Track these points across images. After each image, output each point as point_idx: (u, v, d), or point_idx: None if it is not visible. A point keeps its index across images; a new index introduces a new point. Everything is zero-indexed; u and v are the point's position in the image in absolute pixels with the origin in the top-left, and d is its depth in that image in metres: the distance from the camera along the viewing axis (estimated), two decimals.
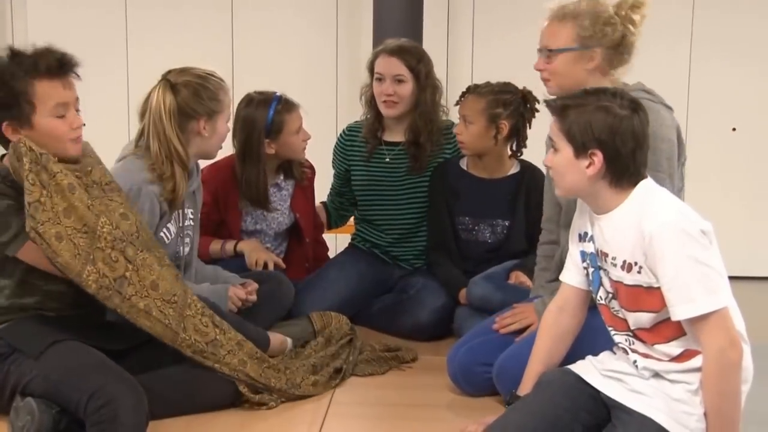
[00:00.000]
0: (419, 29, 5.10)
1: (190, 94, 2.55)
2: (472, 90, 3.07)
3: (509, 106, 3.00)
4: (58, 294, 2.25)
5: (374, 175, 3.27)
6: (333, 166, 3.40)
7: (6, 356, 2.17)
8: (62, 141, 2.18)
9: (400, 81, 3.14)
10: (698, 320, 1.84)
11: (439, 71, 5.32)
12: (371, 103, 3.25)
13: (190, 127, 2.58)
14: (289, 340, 2.72)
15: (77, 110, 2.23)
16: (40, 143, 2.13)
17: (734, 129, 5.79)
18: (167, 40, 5.56)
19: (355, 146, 3.31)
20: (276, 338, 2.67)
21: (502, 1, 5.58)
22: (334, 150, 3.38)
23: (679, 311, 1.85)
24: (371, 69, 3.23)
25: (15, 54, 2.16)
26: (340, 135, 3.38)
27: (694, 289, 1.82)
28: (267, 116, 3.01)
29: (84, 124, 2.23)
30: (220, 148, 2.72)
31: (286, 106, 3.07)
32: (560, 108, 1.98)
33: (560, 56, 2.37)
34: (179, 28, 5.75)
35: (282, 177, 3.21)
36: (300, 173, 3.22)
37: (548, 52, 2.39)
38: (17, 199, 2.12)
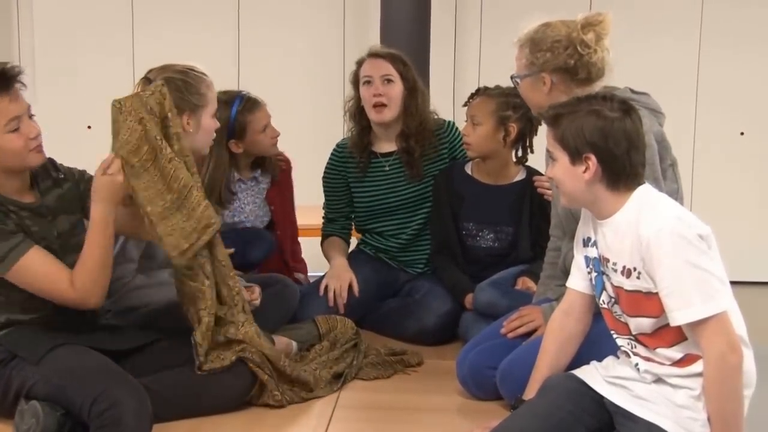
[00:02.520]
0: (426, 33, 5.09)
1: (171, 91, 2.48)
2: (482, 92, 3.06)
3: (519, 109, 2.98)
4: (52, 317, 2.25)
5: (377, 187, 3.23)
6: (327, 187, 3.30)
7: (7, 361, 2.18)
8: (22, 154, 2.18)
9: (389, 81, 3.10)
10: (697, 325, 1.83)
11: (447, 72, 5.34)
12: (356, 116, 3.20)
13: (182, 123, 2.51)
14: (294, 344, 2.72)
15: (31, 116, 2.22)
16: (1, 161, 2.15)
17: (742, 133, 5.77)
18: (174, 51, 5.60)
19: (351, 162, 3.26)
20: (281, 341, 2.68)
21: (510, 1, 5.60)
22: (327, 169, 3.29)
23: (677, 316, 1.85)
24: (356, 79, 3.17)
25: None
26: (334, 152, 3.30)
27: (692, 294, 1.82)
28: (229, 117, 3.01)
29: (40, 132, 2.19)
30: (210, 143, 2.67)
31: (248, 105, 3.07)
32: (553, 117, 2.00)
33: (521, 82, 2.47)
34: (186, 30, 5.79)
35: (259, 172, 3.21)
36: (273, 168, 3.21)
37: (513, 78, 2.49)
38: (3, 222, 2.16)
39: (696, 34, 5.71)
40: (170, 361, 2.31)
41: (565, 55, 2.36)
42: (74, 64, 5.84)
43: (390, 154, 3.21)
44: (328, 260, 3.28)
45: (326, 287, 3.10)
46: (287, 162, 3.31)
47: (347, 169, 3.27)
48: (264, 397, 2.37)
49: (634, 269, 1.91)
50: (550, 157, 2.03)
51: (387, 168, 3.22)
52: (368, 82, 3.12)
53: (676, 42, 5.68)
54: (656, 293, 1.88)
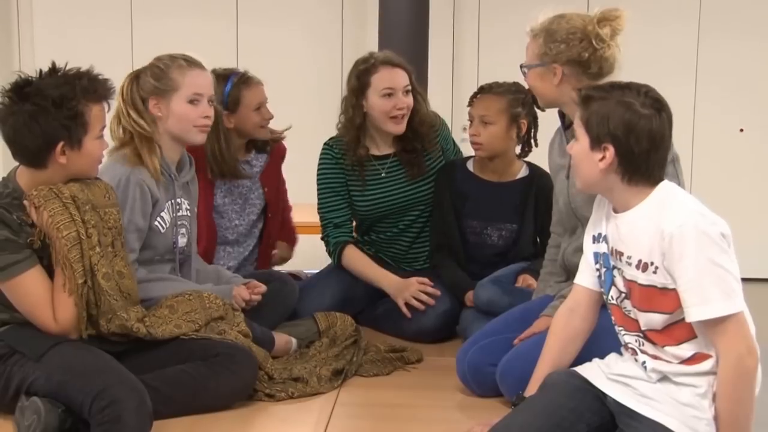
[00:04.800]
0: (425, 27, 5.08)
1: (146, 77, 2.60)
2: (487, 90, 3.02)
3: (526, 105, 2.96)
4: None
5: (374, 192, 3.14)
6: (327, 188, 3.12)
7: (7, 357, 2.18)
8: (96, 162, 2.28)
9: (408, 92, 3.03)
10: (714, 325, 1.82)
11: (445, 66, 5.32)
12: (357, 123, 3.05)
13: (150, 107, 2.59)
14: (293, 341, 2.72)
15: None
16: (78, 164, 2.21)
17: (742, 130, 5.78)
18: (172, 46, 5.60)
19: (346, 160, 3.12)
20: (281, 338, 2.67)
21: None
22: (323, 170, 3.13)
23: (693, 312, 1.83)
24: (362, 87, 3.01)
25: (55, 71, 2.19)
26: (326, 151, 3.14)
27: (711, 291, 1.81)
28: (224, 89, 3.06)
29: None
30: (190, 130, 2.61)
31: (244, 79, 3.11)
32: (584, 98, 1.98)
33: (530, 72, 2.46)
34: (184, 26, 5.78)
35: (253, 153, 3.21)
36: (265, 144, 3.22)
37: (522, 68, 2.48)
38: (16, 234, 2.15)
39: (694, 30, 5.71)
40: (170, 359, 2.31)
41: (580, 48, 2.36)
42: (72, 59, 5.83)
43: (386, 156, 3.14)
44: (369, 277, 3.07)
45: (407, 305, 2.97)
46: (281, 148, 3.29)
47: (343, 166, 3.14)
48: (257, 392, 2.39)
49: (652, 263, 1.89)
50: (573, 134, 2.01)
51: (383, 174, 3.14)
52: (389, 94, 2.99)
53: (675, 38, 5.68)
54: (672, 289, 1.86)
